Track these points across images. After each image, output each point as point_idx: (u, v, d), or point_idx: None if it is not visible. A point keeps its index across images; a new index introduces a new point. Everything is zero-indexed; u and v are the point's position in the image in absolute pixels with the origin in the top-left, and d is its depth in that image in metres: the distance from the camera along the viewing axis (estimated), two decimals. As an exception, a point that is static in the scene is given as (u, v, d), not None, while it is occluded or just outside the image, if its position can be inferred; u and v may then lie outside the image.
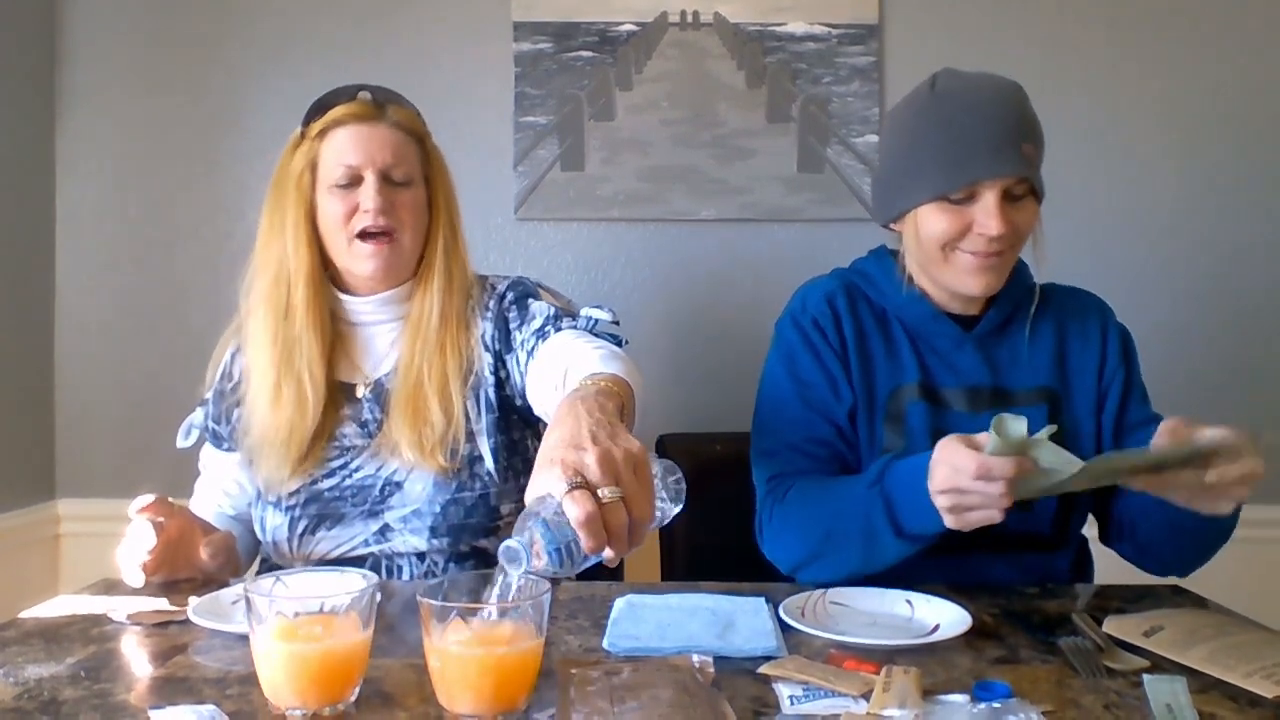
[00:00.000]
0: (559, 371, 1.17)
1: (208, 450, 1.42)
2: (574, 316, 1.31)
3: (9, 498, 1.94)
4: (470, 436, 1.29)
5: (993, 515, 0.98)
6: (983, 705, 0.76)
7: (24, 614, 1.06)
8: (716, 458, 1.58)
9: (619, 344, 1.27)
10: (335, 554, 1.28)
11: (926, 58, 2.01)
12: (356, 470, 1.29)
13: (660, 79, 2.03)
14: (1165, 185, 2.03)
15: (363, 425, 1.31)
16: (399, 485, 1.28)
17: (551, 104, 2.02)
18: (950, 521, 1.00)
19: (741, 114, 2.03)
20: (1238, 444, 0.99)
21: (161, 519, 1.14)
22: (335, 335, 1.34)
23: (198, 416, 1.41)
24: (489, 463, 1.29)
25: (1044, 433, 0.97)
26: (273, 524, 1.30)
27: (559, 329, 1.29)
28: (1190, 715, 0.77)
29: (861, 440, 1.26)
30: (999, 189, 1.16)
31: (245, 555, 1.38)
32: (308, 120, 1.32)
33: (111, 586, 1.16)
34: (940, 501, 1.00)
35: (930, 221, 1.21)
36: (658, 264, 2.05)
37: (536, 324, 1.31)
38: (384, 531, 1.27)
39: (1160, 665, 0.89)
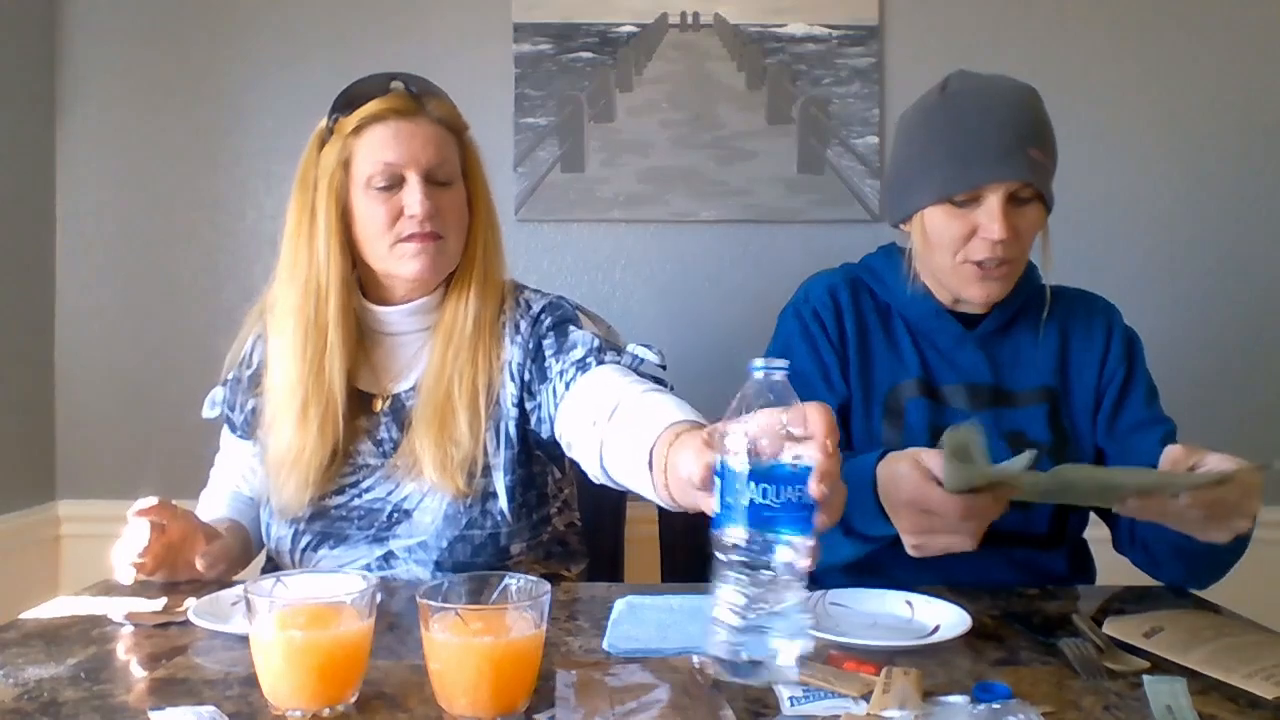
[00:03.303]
0: (603, 408, 1.08)
1: (228, 430, 1.38)
2: (619, 350, 1.23)
3: (9, 498, 1.94)
4: (486, 470, 1.23)
5: (965, 545, 0.95)
6: (983, 706, 0.76)
7: (24, 615, 1.06)
8: (716, 459, 1.57)
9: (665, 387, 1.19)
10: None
11: (927, 59, 2.01)
12: (367, 491, 1.24)
13: (660, 80, 2.03)
14: (1165, 186, 2.03)
15: (378, 444, 1.25)
16: (408, 514, 1.22)
17: (552, 105, 2.02)
18: (915, 552, 0.98)
19: (742, 115, 2.03)
20: (1238, 476, 0.95)
21: (164, 522, 1.13)
22: (357, 342, 1.27)
23: (218, 393, 1.35)
24: (503, 501, 1.23)
25: (1024, 460, 0.92)
26: (276, 534, 1.27)
27: (601, 362, 1.20)
28: (1190, 716, 0.77)
29: (858, 435, 1.25)
30: (1003, 193, 1.16)
31: (257, 541, 1.35)
32: (334, 112, 1.22)
33: (112, 588, 1.16)
34: (909, 540, 0.97)
35: (936, 224, 1.21)
36: (658, 265, 2.05)
37: (578, 354, 1.22)
38: (388, 558, 1.23)
39: (1160, 666, 0.89)
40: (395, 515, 1.23)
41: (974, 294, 1.22)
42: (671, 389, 1.16)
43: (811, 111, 2.02)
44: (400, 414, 1.25)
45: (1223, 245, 2.03)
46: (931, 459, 0.94)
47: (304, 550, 1.25)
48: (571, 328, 1.26)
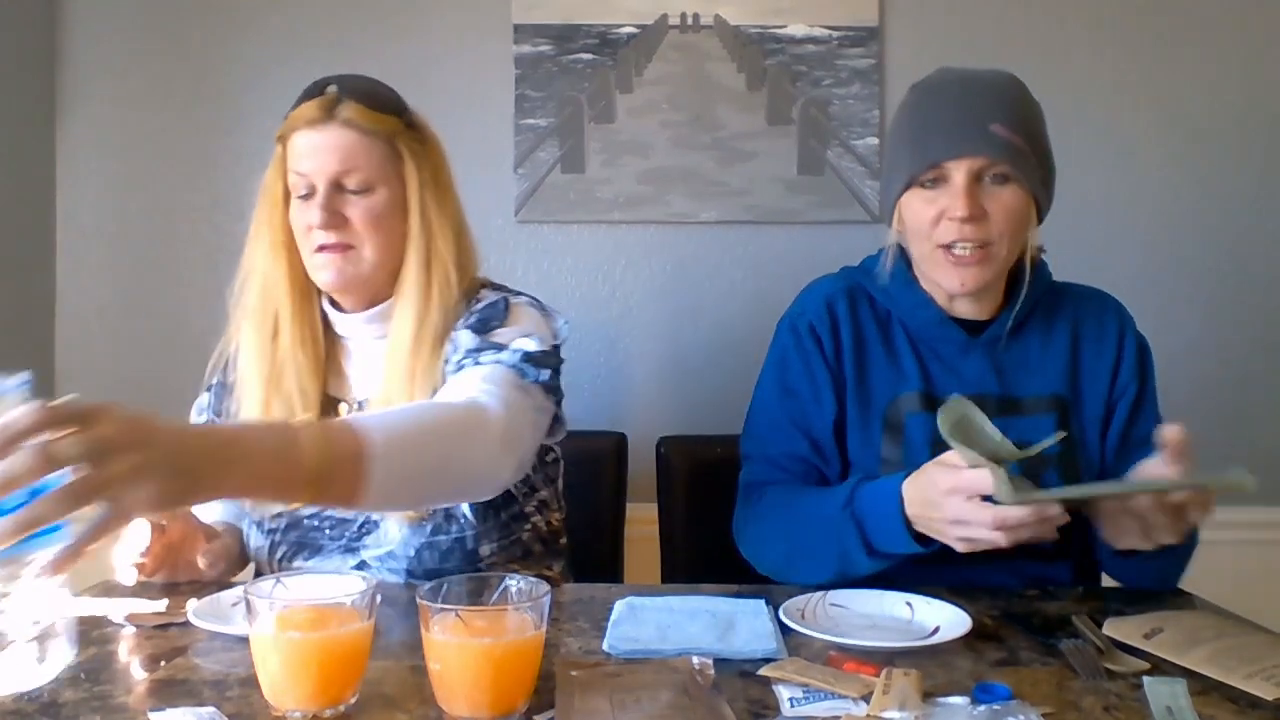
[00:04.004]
0: None
1: None
2: (500, 348, 1.17)
3: (9, 499, 1.94)
4: None
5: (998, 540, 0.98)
6: (983, 707, 0.76)
7: (24, 615, 1.06)
8: (716, 460, 1.58)
9: (553, 376, 1.18)
10: None
11: (927, 60, 1.99)
12: None
13: (660, 81, 2.03)
14: (1166, 186, 2.03)
15: None
16: (375, 524, 1.21)
17: (552, 106, 2.02)
18: (964, 547, 1.01)
19: (742, 116, 2.03)
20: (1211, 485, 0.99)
21: (164, 522, 1.13)
22: (327, 346, 1.28)
23: (204, 400, 1.36)
24: (464, 505, 1.21)
25: (1049, 441, 0.96)
26: (255, 544, 1.26)
27: (477, 363, 1.16)
28: (1190, 717, 0.77)
29: (855, 450, 1.24)
30: (965, 169, 1.14)
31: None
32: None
33: (112, 588, 1.16)
34: (956, 533, 1.00)
35: (909, 210, 1.20)
36: (658, 266, 2.05)
37: (457, 357, 1.18)
38: (361, 568, 1.21)
39: (1160, 667, 0.89)
40: (365, 525, 1.22)
41: (951, 282, 1.19)
42: (550, 377, 1.17)
43: (811, 112, 2.03)
44: None
45: (1224, 245, 2.03)
46: (954, 457, 0.99)
47: (280, 560, 1.24)
48: (461, 332, 1.20)
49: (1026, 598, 1.13)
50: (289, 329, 1.23)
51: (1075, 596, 1.15)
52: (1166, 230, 2.03)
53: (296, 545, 1.24)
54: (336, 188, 1.19)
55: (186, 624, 1.00)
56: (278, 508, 1.22)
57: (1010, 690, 0.80)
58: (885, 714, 0.75)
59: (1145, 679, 0.84)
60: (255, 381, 1.23)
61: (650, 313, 2.05)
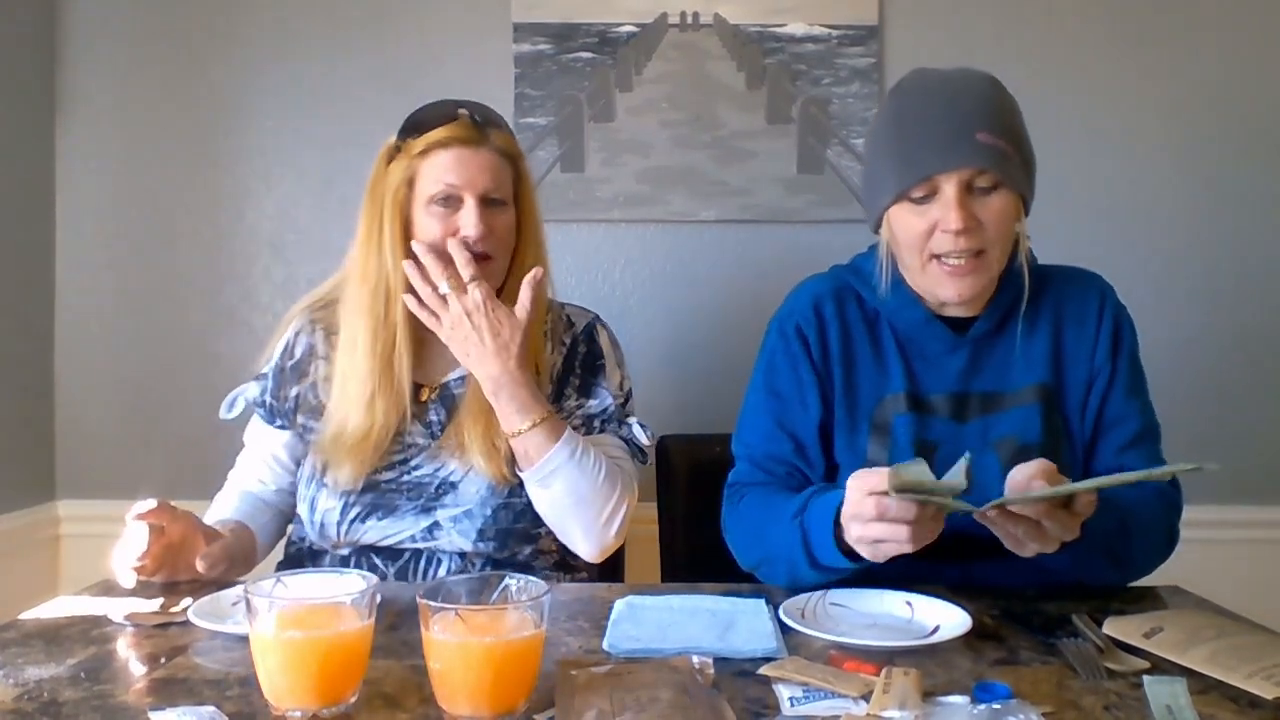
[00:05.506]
0: None
1: (256, 425, 1.42)
2: (620, 422, 1.39)
3: (9, 498, 1.94)
4: None
5: (903, 547, 0.96)
6: (983, 706, 0.76)
7: (24, 615, 1.06)
8: (716, 459, 1.57)
9: (643, 459, 1.41)
10: (381, 543, 1.31)
11: (926, 59, 1.99)
12: (416, 468, 1.33)
13: (660, 80, 2.03)
14: (1164, 186, 2.03)
15: (427, 425, 1.35)
16: (454, 485, 1.31)
17: (551, 105, 2.02)
18: (864, 553, 1.00)
19: (741, 115, 2.03)
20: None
21: (163, 524, 1.14)
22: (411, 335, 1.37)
23: (251, 390, 1.41)
24: None
25: (960, 467, 0.95)
26: (325, 506, 1.32)
27: (605, 430, 1.38)
28: (1190, 716, 0.77)
29: (842, 452, 1.24)
30: (956, 182, 1.13)
31: (268, 539, 1.40)
32: (404, 134, 1.33)
33: (111, 588, 1.16)
34: (850, 531, 1.00)
35: (899, 224, 1.19)
36: (657, 265, 2.05)
37: (592, 409, 1.39)
38: (432, 529, 1.30)
39: (1160, 666, 0.89)
40: (442, 487, 1.32)
41: (947, 293, 1.18)
42: (645, 460, 1.42)
43: (811, 111, 2.02)
44: (448, 400, 1.36)
45: (1224, 244, 2.02)
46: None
47: (352, 521, 1.31)
48: (601, 380, 1.40)
49: (1027, 597, 1.13)
50: (401, 325, 1.32)
51: (1075, 595, 1.15)
52: (1165, 227, 2.03)
53: (371, 507, 1.32)
54: (484, 202, 1.32)
55: (186, 623, 1.00)
56: (356, 474, 1.31)
57: (1010, 689, 0.80)
58: (885, 713, 0.75)
59: (1145, 678, 0.84)
60: (365, 373, 1.31)
61: (650, 312, 2.05)
